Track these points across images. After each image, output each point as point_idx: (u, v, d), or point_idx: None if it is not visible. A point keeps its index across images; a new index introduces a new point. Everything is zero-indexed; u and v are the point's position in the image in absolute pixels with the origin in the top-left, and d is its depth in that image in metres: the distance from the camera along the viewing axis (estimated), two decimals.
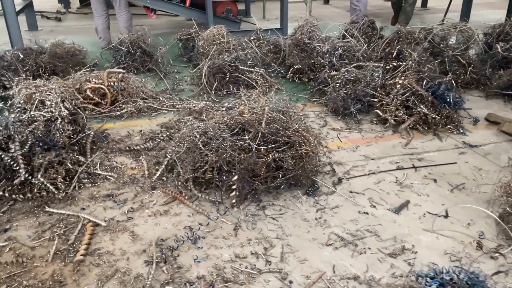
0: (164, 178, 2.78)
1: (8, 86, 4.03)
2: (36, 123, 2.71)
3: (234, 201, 2.43)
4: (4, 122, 2.64)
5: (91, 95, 3.88)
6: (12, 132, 2.56)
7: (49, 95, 2.96)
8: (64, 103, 2.97)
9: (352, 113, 3.66)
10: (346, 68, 3.91)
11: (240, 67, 4.35)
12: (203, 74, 4.35)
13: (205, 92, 4.34)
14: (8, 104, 2.84)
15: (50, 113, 2.83)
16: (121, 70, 4.15)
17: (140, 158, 3.06)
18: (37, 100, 2.88)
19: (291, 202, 2.53)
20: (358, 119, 3.66)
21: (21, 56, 4.40)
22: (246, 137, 2.38)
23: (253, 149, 2.33)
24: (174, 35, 5.76)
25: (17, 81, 3.21)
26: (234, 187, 2.35)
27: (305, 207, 2.49)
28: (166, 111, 3.97)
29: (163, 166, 2.77)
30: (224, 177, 2.47)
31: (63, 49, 4.70)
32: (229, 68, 4.35)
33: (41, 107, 2.89)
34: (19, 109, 2.83)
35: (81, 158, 2.88)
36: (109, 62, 5.17)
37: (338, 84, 3.77)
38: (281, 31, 7.19)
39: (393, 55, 4.38)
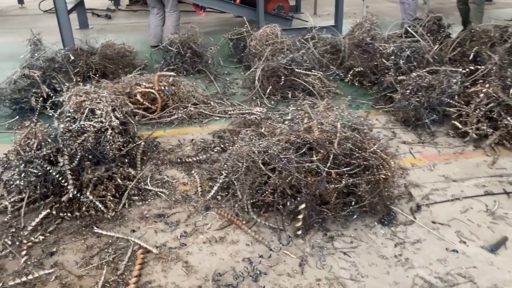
0: (219, 197, 2.53)
1: (59, 89, 3.93)
2: (85, 135, 2.53)
3: (299, 231, 2.13)
4: (53, 133, 2.48)
5: (141, 100, 3.71)
6: (61, 145, 2.40)
7: (99, 103, 2.79)
8: (115, 112, 2.78)
9: (424, 124, 3.26)
10: (418, 73, 3.49)
11: (296, 70, 4.04)
12: (256, 78, 4.07)
13: (258, 97, 4.07)
14: (57, 112, 2.70)
15: (100, 124, 2.65)
16: (172, 73, 3.94)
17: (193, 172, 2.83)
18: (87, 109, 2.71)
19: (363, 233, 2.21)
20: (431, 131, 3.26)
21: (72, 58, 4.30)
22: (315, 158, 2.08)
23: (324, 173, 2.02)
24: (224, 34, 5.51)
25: (67, 87, 3.06)
26: (300, 216, 2.06)
27: (380, 239, 2.16)
28: (217, 118, 3.73)
29: (218, 184, 2.52)
30: (287, 201, 2.19)
31: (113, 50, 4.57)
32: (284, 71, 4.05)
33: (91, 116, 2.72)
34: (68, 118, 2.67)
35: (131, 171, 2.69)
36: (159, 63, 5.02)
37: (408, 91, 3.37)
38: (336, 28, 6.82)
39: (469, 58, 3.91)
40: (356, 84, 4.34)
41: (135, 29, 7.66)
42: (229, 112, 3.78)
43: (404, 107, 3.28)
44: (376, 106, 3.77)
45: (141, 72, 4.31)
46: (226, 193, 2.54)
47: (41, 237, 2.23)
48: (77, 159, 2.38)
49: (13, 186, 2.43)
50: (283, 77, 4.03)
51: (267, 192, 2.21)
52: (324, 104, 2.64)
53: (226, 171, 2.51)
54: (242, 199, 2.32)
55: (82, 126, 2.62)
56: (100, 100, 2.82)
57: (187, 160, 2.96)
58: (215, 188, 2.52)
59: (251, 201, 2.28)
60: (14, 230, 2.29)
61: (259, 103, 3.96)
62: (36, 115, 3.69)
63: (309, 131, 2.21)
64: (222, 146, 3.05)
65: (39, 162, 2.34)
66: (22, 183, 2.37)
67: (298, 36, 5.27)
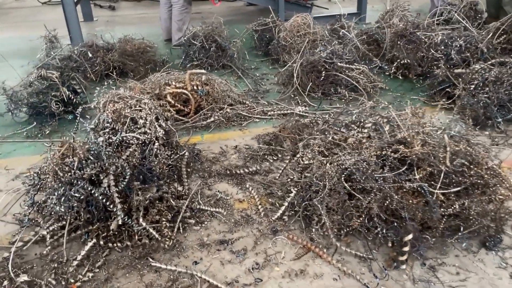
0: (285, 217, 2.21)
1: (79, 90, 3.57)
2: (130, 149, 2.19)
3: (395, 263, 1.82)
4: (93, 148, 2.13)
5: (173, 102, 3.36)
6: (106, 163, 2.05)
7: (140, 110, 2.44)
8: (159, 120, 2.44)
9: (494, 123, 2.94)
10: (481, 66, 3.16)
11: (338, 63, 3.70)
12: (295, 73, 3.72)
13: (297, 94, 3.72)
14: (91, 123, 2.34)
15: (145, 135, 2.31)
16: (203, 71, 3.59)
17: (247, 186, 2.50)
18: (128, 118, 2.36)
19: (468, 260, 1.89)
20: (502, 130, 2.94)
21: (90, 55, 3.93)
22: (416, 176, 1.76)
23: (433, 197, 1.70)
24: (247, 25, 5.13)
25: (98, 92, 2.71)
26: (406, 249, 1.74)
27: (491, 269, 1.85)
28: (257, 119, 3.39)
29: (286, 204, 2.20)
30: (376, 225, 1.87)
31: (133, 45, 4.20)
32: (325, 65, 3.71)
33: (132, 126, 2.38)
34: (107, 129, 2.32)
35: (180, 188, 2.36)
36: (179, 58, 4.65)
37: (474, 86, 3.04)
38: (359, 15, 6.46)
39: None
40: (400, 77, 4.00)
41: (144, 21, 7.25)
42: (269, 113, 3.45)
43: (474, 104, 2.95)
44: (432, 102, 3.44)
45: (167, 70, 3.95)
46: (292, 211, 2.22)
47: (90, 274, 1.90)
48: (126, 179, 2.04)
49: (51, 212, 2.09)
50: (323, 72, 3.69)
51: (353, 216, 1.88)
52: (411, 109, 2.30)
53: (296, 188, 2.18)
54: (321, 222, 1.99)
55: (125, 138, 2.27)
56: (140, 106, 2.46)
57: (237, 172, 2.62)
58: (283, 208, 2.19)
59: (334, 226, 1.95)
60: (56, 265, 1.96)
61: (299, 101, 3.63)
62: (56, 121, 3.34)
63: (402, 142, 1.88)
64: (276, 155, 2.72)
65: (82, 184, 2.00)
66: (62, 209, 2.03)
67: (326, 25, 4.93)
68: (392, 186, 1.76)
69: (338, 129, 2.30)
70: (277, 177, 2.56)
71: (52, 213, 2.07)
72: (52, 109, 3.28)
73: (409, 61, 3.85)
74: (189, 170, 2.65)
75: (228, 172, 2.64)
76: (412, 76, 3.93)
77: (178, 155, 2.53)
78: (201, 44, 4.39)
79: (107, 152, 2.08)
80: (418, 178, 1.76)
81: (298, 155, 2.37)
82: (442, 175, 1.72)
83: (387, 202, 1.74)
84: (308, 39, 4.13)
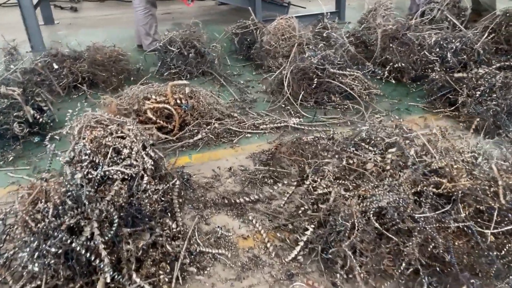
0: (300, 257, 1.93)
1: (45, 107, 3.16)
2: (116, 187, 1.85)
3: None
4: (71, 189, 1.78)
5: (154, 118, 3.01)
6: (88, 208, 1.71)
7: (123, 137, 2.10)
8: (146, 149, 2.10)
9: (504, 133, 2.77)
10: (485, 70, 2.99)
11: (330, 69, 3.44)
12: (285, 81, 3.44)
13: (288, 103, 3.45)
14: (65, 154, 1.97)
15: (131, 167, 1.97)
16: (185, 82, 3.25)
17: (249, 217, 2.21)
18: (111, 148, 2.01)
19: None
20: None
21: (56, 67, 3.51)
22: (462, 214, 1.52)
23: (482, 238, 1.47)
24: (225, 28, 4.80)
25: (70, 116, 2.33)
26: None
27: None
28: (249, 135, 3.09)
29: (301, 244, 1.92)
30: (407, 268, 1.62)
31: (104, 54, 3.79)
32: (316, 71, 3.45)
33: (115, 157, 2.03)
34: (85, 162, 1.96)
35: (173, 226, 2.04)
36: (156, 65, 4.27)
37: (479, 92, 2.86)
38: (338, 15, 6.25)
39: None
40: (393, 81, 3.80)
41: (110, 23, 6.77)
42: (261, 126, 3.15)
43: (481, 112, 2.76)
44: (433, 109, 3.24)
45: (145, 81, 3.59)
46: (307, 249, 1.95)
47: None
48: (114, 226, 1.71)
49: (23, 270, 1.72)
50: (315, 79, 3.43)
51: (385, 258, 1.63)
52: (438, 129, 2.06)
53: (313, 225, 1.90)
54: (346, 266, 1.72)
55: (107, 173, 1.93)
56: (123, 132, 2.12)
57: (236, 201, 2.32)
58: (298, 248, 1.91)
59: (362, 270, 1.69)
60: None
61: (291, 111, 3.35)
62: (20, 145, 2.93)
63: (439, 172, 1.64)
64: (276, 177, 2.44)
65: (61, 236, 1.65)
66: (36, 267, 1.67)
67: (308, 26, 4.66)
68: (435, 227, 1.51)
69: (352, 151, 2.03)
70: (282, 205, 2.28)
71: (24, 272, 1.71)
72: (15, 132, 2.87)
73: (403, 64, 3.64)
74: (180, 200, 2.32)
75: (226, 201, 2.34)
76: (406, 80, 3.73)
77: (167, 185, 2.19)
78: (179, 50, 4.03)
79: (87, 193, 1.73)
80: (464, 216, 1.52)
81: (307, 182, 2.09)
82: (495, 213, 1.49)
83: (431, 245, 1.50)
84: (295, 43, 3.85)
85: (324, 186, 1.91)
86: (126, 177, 1.95)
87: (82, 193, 1.71)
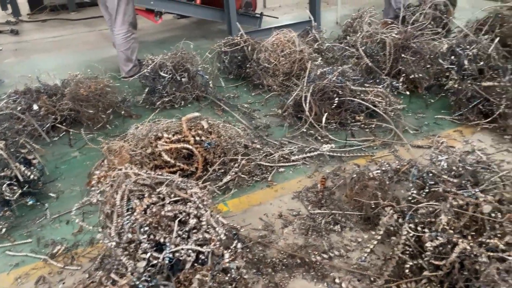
0: None
1: (34, 160, 2.59)
2: (198, 275, 1.42)
3: None
4: (141, 286, 1.33)
5: (172, 161, 2.56)
6: None
7: (185, 202, 1.66)
8: (216, 216, 1.68)
9: None
10: None
11: (352, 87, 3.17)
12: (307, 103, 3.11)
13: (309, 128, 3.12)
14: (108, 233, 1.49)
15: (205, 243, 1.54)
16: (197, 114, 2.81)
17: (335, 279, 1.85)
18: (176, 220, 1.56)
19: None
20: None
21: (36, 108, 2.93)
22: None
23: None
24: (212, 46, 4.38)
25: (98, 175, 1.83)
26: None
27: None
28: (282, 169, 2.73)
29: None
30: None
31: (87, 87, 3.25)
32: (336, 89, 3.16)
33: (179, 231, 1.58)
34: (144, 243, 1.50)
35: None
36: (141, 92, 3.77)
37: None
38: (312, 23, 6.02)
39: None
40: (407, 93, 3.60)
41: (63, 46, 6.06)
42: (292, 158, 2.80)
43: None
44: (467, 122, 3.06)
45: (137, 114, 3.10)
46: None
47: None
48: None
49: None
50: (336, 98, 3.14)
51: None
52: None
53: None
54: None
55: (176, 254, 1.49)
56: (179, 196, 1.68)
57: (311, 259, 1.95)
58: None
59: None
60: None
61: (318, 137, 3.03)
62: (13, 211, 2.37)
63: None
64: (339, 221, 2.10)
65: None
66: None
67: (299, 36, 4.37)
68: None
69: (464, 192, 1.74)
70: (364, 258, 1.95)
71: None
72: (5, 196, 2.30)
73: (420, 75, 3.45)
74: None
75: (298, 260, 1.96)
76: (421, 91, 3.55)
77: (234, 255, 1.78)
78: (171, 75, 3.57)
79: None
80: None
81: (403, 232, 1.77)
82: None
83: None
84: (287, 59, 3.55)
85: (443, 242, 1.59)
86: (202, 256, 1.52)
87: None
